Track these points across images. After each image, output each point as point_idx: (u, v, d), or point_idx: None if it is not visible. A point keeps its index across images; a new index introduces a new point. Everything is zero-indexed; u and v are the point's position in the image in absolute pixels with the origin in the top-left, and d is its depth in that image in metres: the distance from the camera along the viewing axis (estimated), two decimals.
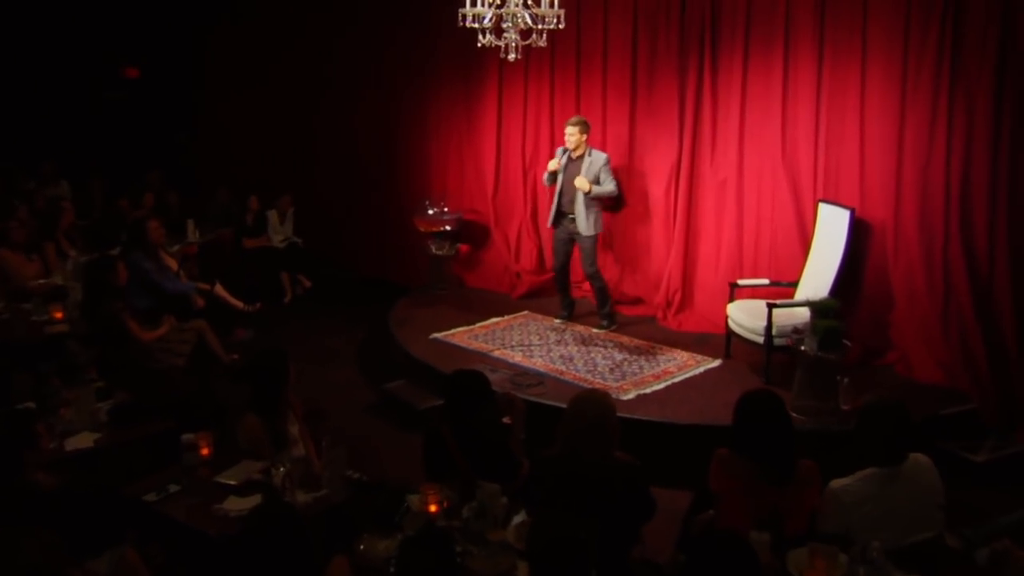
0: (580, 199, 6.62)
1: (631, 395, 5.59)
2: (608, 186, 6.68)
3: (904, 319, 5.97)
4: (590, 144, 6.79)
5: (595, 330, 6.89)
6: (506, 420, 3.78)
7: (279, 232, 9.27)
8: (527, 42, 5.41)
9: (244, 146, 10.53)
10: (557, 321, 7.12)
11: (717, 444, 4.99)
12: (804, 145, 6.35)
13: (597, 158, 6.68)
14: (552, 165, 6.79)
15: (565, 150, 6.73)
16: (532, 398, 5.39)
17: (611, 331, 6.86)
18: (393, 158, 9.19)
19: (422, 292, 8.26)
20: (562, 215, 6.82)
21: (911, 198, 5.79)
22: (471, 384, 3.58)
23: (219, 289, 7.23)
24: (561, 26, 5.31)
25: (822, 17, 6.11)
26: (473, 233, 8.53)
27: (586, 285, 7.34)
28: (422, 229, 8.36)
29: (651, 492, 3.39)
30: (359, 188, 9.61)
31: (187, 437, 3.66)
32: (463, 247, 8.46)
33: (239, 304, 7.36)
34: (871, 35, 5.87)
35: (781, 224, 6.55)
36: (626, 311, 7.42)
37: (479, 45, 5.37)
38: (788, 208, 6.47)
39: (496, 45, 5.37)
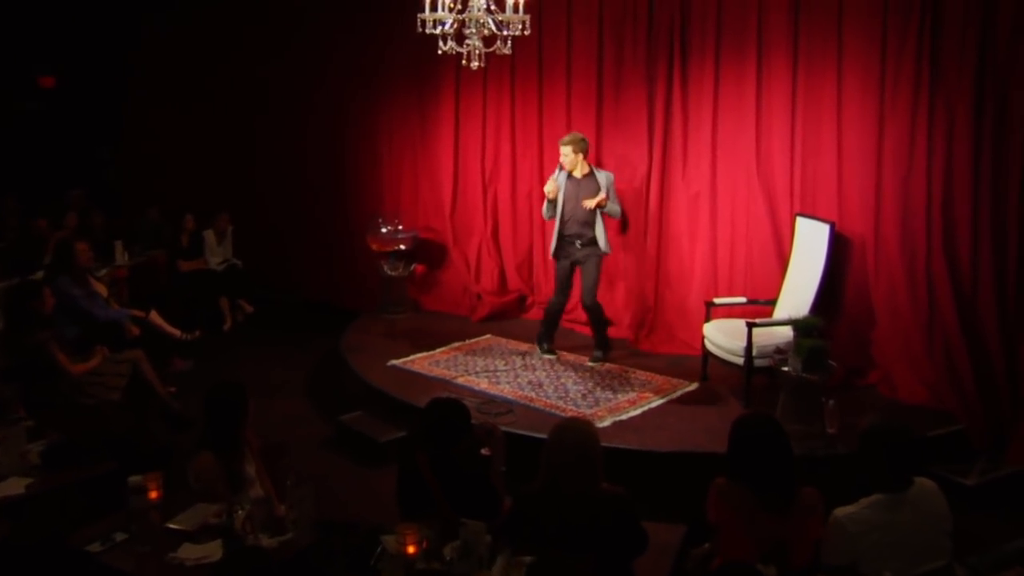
0: (598, 217, 6.43)
1: (607, 422, 5.60)
2: (616, 206, 6.56)
3: (886, 337, 6.09)
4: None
5: (591, 363, 6.69)
6: (485, 451, 3.74)
7: (217, 254, 9.14)
8: (490, 49, 5.44)
9: (176, 161, 10.34)
10: (551, 356, 6.83)
11: (699, 472, 5.02)
12: (779, 156, 6.48)
13: (608, 176, 6.52)
14: (549, 190, 6.47)
15: (561, 168, 6.49)
16: (501, 427, 5.36)
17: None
18: (341, 173, 9.13)
19: (375, 316, 8.18)
20: (567, 242, 6.53)
21: (892, 211, 5.93)
22: (451, 414, 3.54)
23: (154, 316, 7.07)
24: (527, 32, 5.35)
25: (796, 23, 6.25)
26: (429, 252, 8.50)
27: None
28: (375, 248, 8.29)
29: (642, 524, 3.38)
30: (304, 206, 9.52)
31: (134, 479, 3.53)
32: (419, 267, 8.42)
33: (176, 332, 7.21)
34: (847, 42, 6.02)
35: (757, 239, 6.66)
36: None
37: (439, 53, 5.37)
38: (764, 222, 6.58)
39: (457, 53, 5.39)
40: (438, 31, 5.30)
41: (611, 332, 7.44)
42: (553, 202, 6.51)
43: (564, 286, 6.68)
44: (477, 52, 5.43)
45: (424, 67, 8.24)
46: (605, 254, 6.58)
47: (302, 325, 8.94)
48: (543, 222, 7.90)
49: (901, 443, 3.14)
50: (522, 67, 7.70)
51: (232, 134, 10.00)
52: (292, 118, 9.46)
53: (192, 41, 9.98)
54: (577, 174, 6.46)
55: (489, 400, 5.96)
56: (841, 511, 3.12)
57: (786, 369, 5.34)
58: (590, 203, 6.35)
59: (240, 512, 3.37)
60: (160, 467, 3.83)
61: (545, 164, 7.79)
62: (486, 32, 5.37)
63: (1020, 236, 5.42)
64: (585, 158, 6.48)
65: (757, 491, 3.13)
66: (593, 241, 6.49)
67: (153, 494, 3.60)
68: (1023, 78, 5.27)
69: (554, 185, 6.47)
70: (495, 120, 8.03)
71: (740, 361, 5.90)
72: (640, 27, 7.01)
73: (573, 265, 6.59)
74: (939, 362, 5.73)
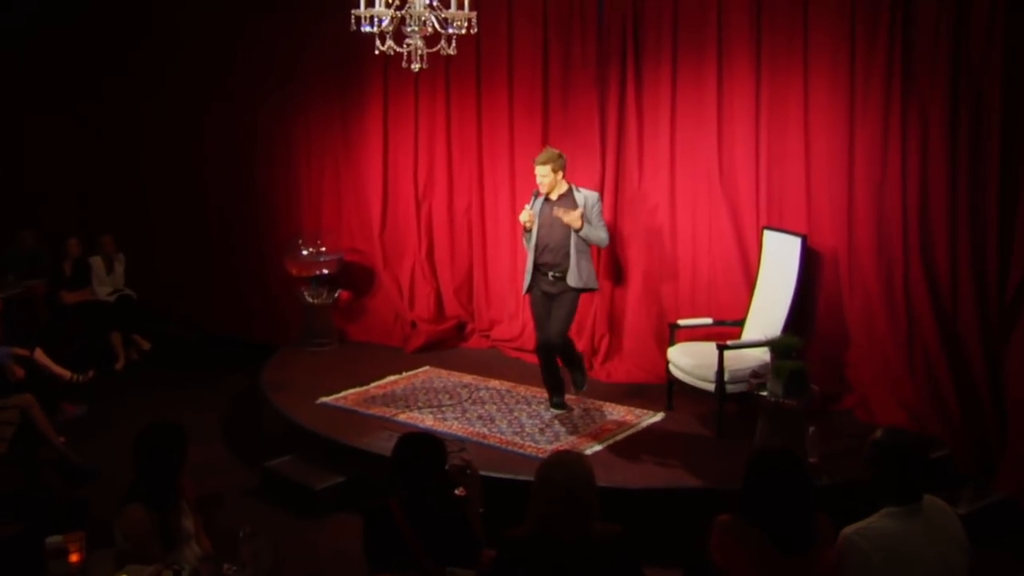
0: (572, 244, 6.04)
1: None
2: (601, 231, 6.12)
3: (862, 358, 6.25)
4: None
5: (577, 393, 6.52)
6: (459, 492, 3.68)
7: (106, 283, 8.93)
8: (433, 49, 5.45)
9: (53, 178, 9.98)
10: (554, 411, 6.40)
11: (678, 510, 5.12)
12: (743, 165, 6.62)
13: (589, 196, 6.13)
14: (524, 220, 6.14)
15: (537, 195, 6.21)
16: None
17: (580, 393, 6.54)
18: (251, 190, 8.99)
19: (297, 349, 8.07)
20: (540, 272, 6.21)
21: (865, 222, 6.10)
22: (425, 451, 3.46)
23: (40, 355, 6.81)
24: (473, 31, 5.39)
25: (758, 20, 6.41)
26: (355, 277, 8.41)
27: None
28: (294, 273, 8.17)
29: (642, 569, 3.36)
30: (208, 227, 9.36)
31: (52, 540, 3.36)
32: (344, 294, 8.31)
33: (65, 374, 6.96)
34: (813, 41, 6.20)
35: (721, 255, 6.78)
36: None
37: (376, 53, 5.36)
38: (728, 236, 6.71)
39: (396, 53, 5.39)
40: (374, 29, 5.27)
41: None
42: (531, 231, 6.18)
43: (542, 323, 6.27)
44: (419, 52, 5.44)
45: (347, 70, 8.20)
46: (581, 291, 6.16)
47: (208, 362, 8.78)
48: (483, 241, 7.95)
49: (917, 456, 3.24)
50: (458, 70, 7.70)
51: (119, 146, 9.76)
52: (189, 128, 9.31)
53: (72, 43, 9.67)
54: (554, 196, 6.15)
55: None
56: (849, 528, 3.18)
57: (764, 394, 5.43)
58: (564, 215, 5.97)
59: (183, 573, 3.24)
60: (76, 525, 3.67)
61: (485, 176, 7.82)
62: (429, 30, 5.38)
63: (1000, 245, 5.60)
64: (563, 176, 6.15)
65: (771, 531, 3.15)
66: (563, 270, 6.12)
67: (75, 557, 3.45)
68: (999, 78, 5.48)
69: (529, 213, 6.13)
70: (429, 129, 8.02)
71: (710, 387, 5.97)
72: (589, 25, 7.10)
73: (547, 298, 6.23)
74: (920, 383, 5.89)
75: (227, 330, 9.22)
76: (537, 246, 6.20)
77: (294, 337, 8.36)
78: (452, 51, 5.56)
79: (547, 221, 6.15)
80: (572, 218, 5.97)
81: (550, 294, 6.21)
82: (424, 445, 3.51)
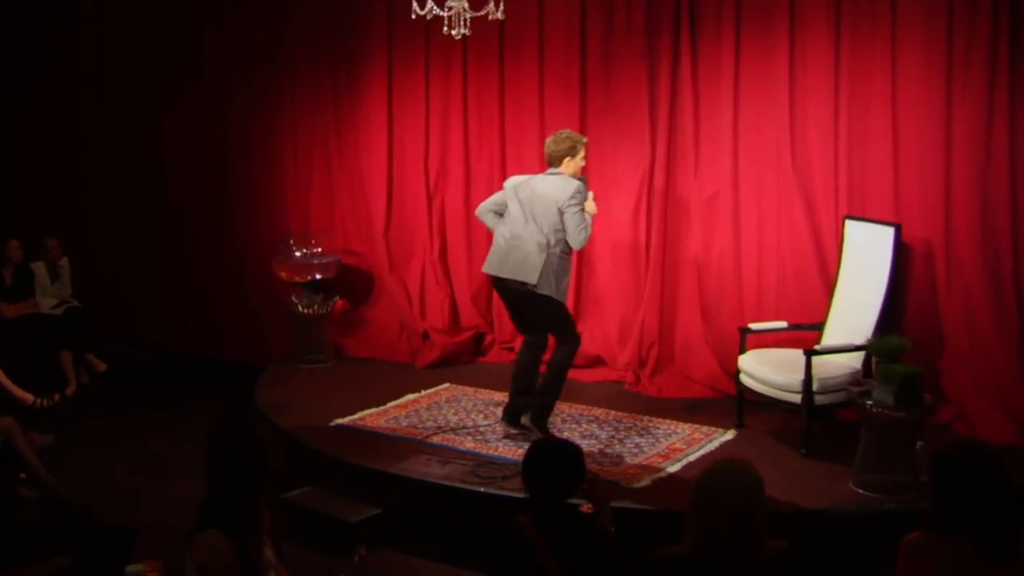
0: None
1: (645, 482, 5.54)
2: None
3: (960, 365, 6.27)
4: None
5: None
6: (586, 508, 3.64)
7: (50, 293, 8.73)
8: (481, 13, 5.56)
9: None
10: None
11: (782, 536, 5.10)
12: (819, 148, 6.63)
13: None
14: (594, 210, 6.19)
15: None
16: (509, 493, 5.33)
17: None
18: (223, 186, 8.91)
19: (286, 367, 7.99)
20: None
21: (966, 211, 6.15)
22: (566, 461, 3.41)
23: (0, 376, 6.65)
24: None
25: None
26: (352, 283, 8.34)
27: None
28: (284, 278, 8.06)
29: None
30: (170, 228, 9.26)
31: (133, 569, 3.29)
32: (339, 302, 8.21)
33: (29, 397, 6.80)
34: (902, 5, 6.23)
35: (792, 250, 6.78)
36: (582, 376, 7.42)
37: (413, 17, 5.46)
38: (801, 229, 6.71)
39: (436, 17, 5.49)
40: None
41: (600, 374, 7.52)
42: None
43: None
44: (463, 17, 5.54)
45: (342, 43, 8.18)
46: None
47: (172, 385, 8.64)
48: None
49: None
50: (477, 40, 7.57)
51: (61, 138, 9.64)
52: (145, 117, 9.23)
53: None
54: None
55: (486, 462, 5.84)
56: None
57: (870, 404, 5.43)
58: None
59: None
60: (122, 557, 3.58)
61: (508, 164, 7.76)
62: None
63: None
64: (570, 162, 6.04)
65: (976, 542, 3.13)
66: None
67: None
68: None
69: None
70: (442, 110, 7.97)
71: (794, 399, 5.95)
72: None
73: None
74: None
75: (191, 348, 9.08)
76: None
77: (275, 355, 8.27)
78: (501, 15, 5.64)
79: None
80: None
81: None
82: (565, 454, 3.46)
